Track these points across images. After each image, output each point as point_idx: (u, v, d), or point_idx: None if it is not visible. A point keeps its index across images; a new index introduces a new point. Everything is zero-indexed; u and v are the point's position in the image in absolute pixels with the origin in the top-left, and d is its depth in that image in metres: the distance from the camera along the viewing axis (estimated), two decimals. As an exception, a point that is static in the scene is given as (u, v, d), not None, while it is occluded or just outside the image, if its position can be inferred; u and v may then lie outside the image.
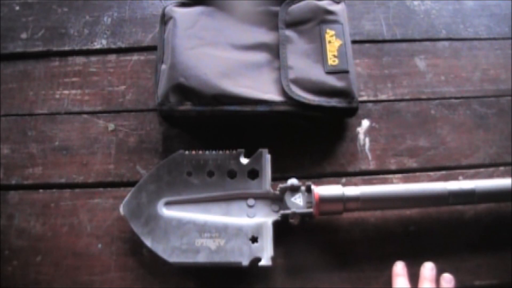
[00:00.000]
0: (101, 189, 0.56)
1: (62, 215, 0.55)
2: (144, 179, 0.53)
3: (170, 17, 0.62)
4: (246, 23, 0.62)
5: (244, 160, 0.53)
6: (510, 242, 0.53)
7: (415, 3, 0.70)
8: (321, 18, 0.61)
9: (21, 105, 0.61)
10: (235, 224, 0.51)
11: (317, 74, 0.58)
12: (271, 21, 0.62)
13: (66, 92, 0.62)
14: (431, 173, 0.58)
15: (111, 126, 0.60)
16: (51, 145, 0.59)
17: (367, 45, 0.67)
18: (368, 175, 0.57)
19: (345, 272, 0.52)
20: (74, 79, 0.63)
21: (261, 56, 0.60)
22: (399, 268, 0.49)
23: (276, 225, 0.51)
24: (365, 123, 0.61)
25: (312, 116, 0.57)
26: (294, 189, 0.52)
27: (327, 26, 0.61)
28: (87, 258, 0.52)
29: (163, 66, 0.59)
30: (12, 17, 0.68)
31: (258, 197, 0.53)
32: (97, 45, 0.65)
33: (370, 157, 0.59)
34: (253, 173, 0.53)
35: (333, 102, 0.57)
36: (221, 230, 0.50)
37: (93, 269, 0.52)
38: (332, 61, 0.59)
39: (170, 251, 0.49)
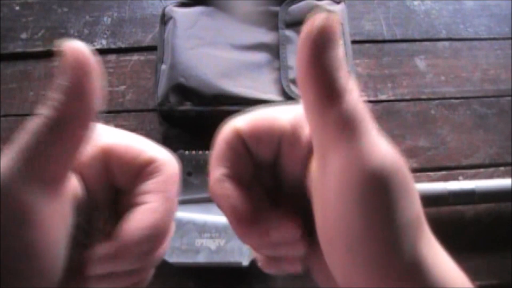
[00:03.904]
0: (101, 189, 0.56)
1: (62, 215, 0.55)
2: (144, 179, 0.53)
3: (170, 17, 0.62)
4: (246, 23, 0.62)
5: (244, 160, 0.53)
6: (510, 242, 0.53)
7: (415, 3, 0.70)
8: (321, 18, 0.61)
9: (21, 105, 0.61)
10: (235, 224, 0.51)
11: (317, 74, 0.58)
12: (271, 21, 0.62)
13: (66, 92, 0.62)
14: (431, 173, 0.58)
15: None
16: (51, 145, 0.59)
17: (367, 45, 0.67)
18: (368, 175, 0.57)
19: (345, 272, 0.52)
20: (74, 79, 0.63)
21: (261, 56, 0.60)
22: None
23: (276, 225, 0.51)
24: (365, 123, 0.61)
25: (312, 116, 0.57)
26: (294, 189, 0.52)
27: (327, 26, 0.61)
28: (87, 258, 0.52)
29: (163, 66, 0.59)
30: (12, 17, 0.68)
31: (258, 197, 0.53)
32: (97, 45, 0.65)
33: (370, 157, 0.58)
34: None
35: (333, 102, 0.57)
36: (221, 230, 0.50)
37: (93, 269, 0.52)
38: (332, 61, 0.59)
39: (170, 251, 0.49)
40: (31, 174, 0.18)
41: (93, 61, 0.19)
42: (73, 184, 0.21)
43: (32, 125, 0.18)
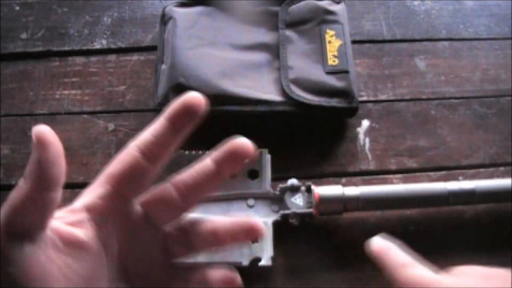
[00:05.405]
0: (101, 189, 0.56)
1: (62, 215, 0.55)
2: (144, 179, 0.53)
3: (170, 17, 0.62)
4: (246, 23, 0.62)
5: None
6: (510, 242, 0.53)
7: (415, 3, 0.71)
8: (321, 18, 0.62)
9: (21, 105, 0.61)
10: (235, 224, 0.51)
11: (317, 74, 0.58)
12: (271, 21, 0.62)
13: (66, 92, 0.62)
14: (431, 173, 0.58)
15: (111, 126, 0.60)
16: (51, 145, 0.59)
17: (367, 45, 0.67)
18: (368, 175, 0.57)
19: (345, 272, 0.52)
20: (74, 79, 0.63)
21: (261, 56, 0.60)
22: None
23: (276, 225, 0.51)
24: (365, 123, 0.61)
25: (312, 116, 0.57)
26: (294, 189, 0.52)
27: (327, 26, 0.61)
28: (87, 258, 0.52)
29: (163, 66, 0.59)
30: (12, 17, 0.68)
31: (258, 197, 0.53)
32: (97, 45, 0.66)
33: (370, 157, 0.59)
34: (253, 173, 0.53)
35: (333, 102, 0.57)
36: (221, 230, 0.50)
37: (93, 269, 0.52)
38: (332, 61, 0.59)
39: (170, 251, 0.49)
40: (11, 228, 0.25)
41: (57, 141, 0.27)
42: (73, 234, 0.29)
43: (13, 192, 0.25)
